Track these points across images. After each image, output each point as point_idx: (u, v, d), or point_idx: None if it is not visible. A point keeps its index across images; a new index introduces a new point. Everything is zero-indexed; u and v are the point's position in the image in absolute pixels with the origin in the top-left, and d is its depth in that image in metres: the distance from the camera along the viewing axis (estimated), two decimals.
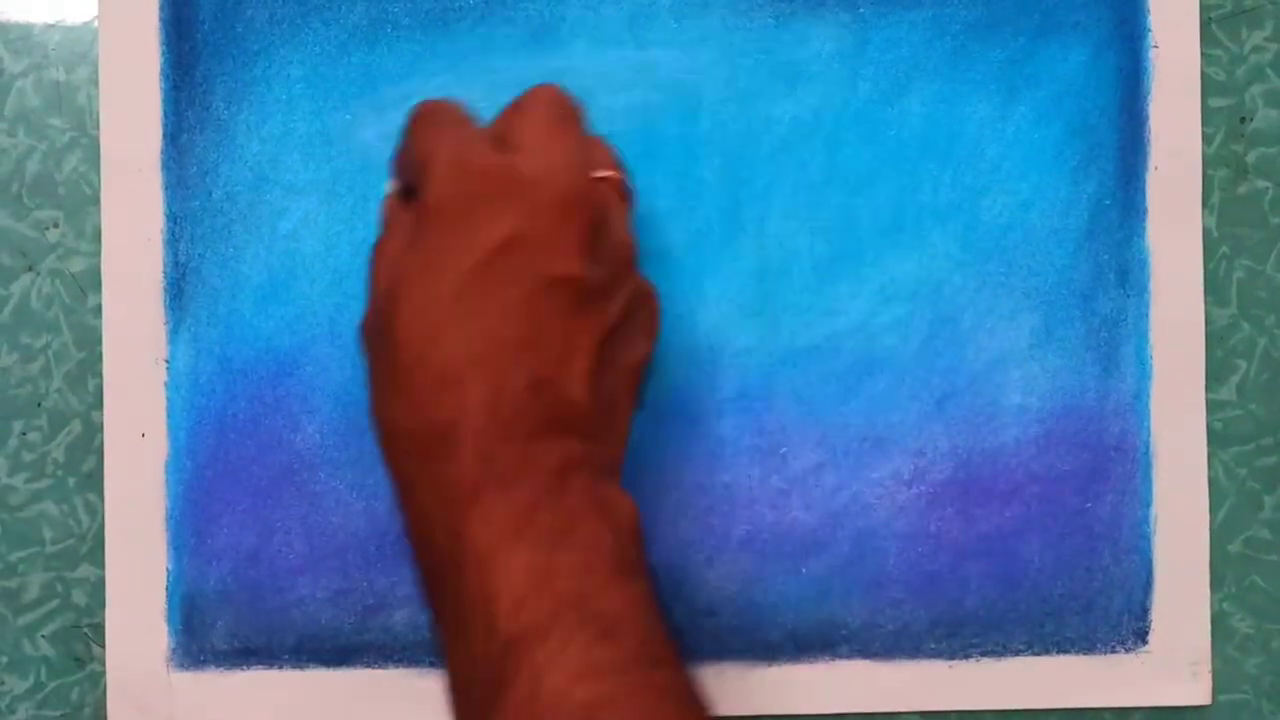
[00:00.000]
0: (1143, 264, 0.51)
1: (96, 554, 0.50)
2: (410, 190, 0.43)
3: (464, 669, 0.39)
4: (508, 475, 0.39)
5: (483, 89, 0.50)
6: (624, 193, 0.44)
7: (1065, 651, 0.51)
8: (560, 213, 0.40)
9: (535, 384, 0.40)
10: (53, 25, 0.50)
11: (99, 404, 0.50)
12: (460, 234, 0.40)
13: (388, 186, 0.45)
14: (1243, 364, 0.51)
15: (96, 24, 0.50)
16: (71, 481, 0.50)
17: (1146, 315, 0.51)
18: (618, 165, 0.44)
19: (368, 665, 0.50)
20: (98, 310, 0.50)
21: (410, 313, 0.40)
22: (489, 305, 0.40)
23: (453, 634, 0.40)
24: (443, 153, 0.41)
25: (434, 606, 0.41)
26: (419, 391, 0.40)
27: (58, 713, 0.50)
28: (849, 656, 0.50)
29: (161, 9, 0.49)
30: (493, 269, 0.40)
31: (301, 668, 0.50)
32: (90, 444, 0.50)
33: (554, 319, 0.41)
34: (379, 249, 0.43)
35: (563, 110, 0.43)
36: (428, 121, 0.43)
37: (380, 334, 0.41)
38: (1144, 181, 0.51)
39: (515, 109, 0.43)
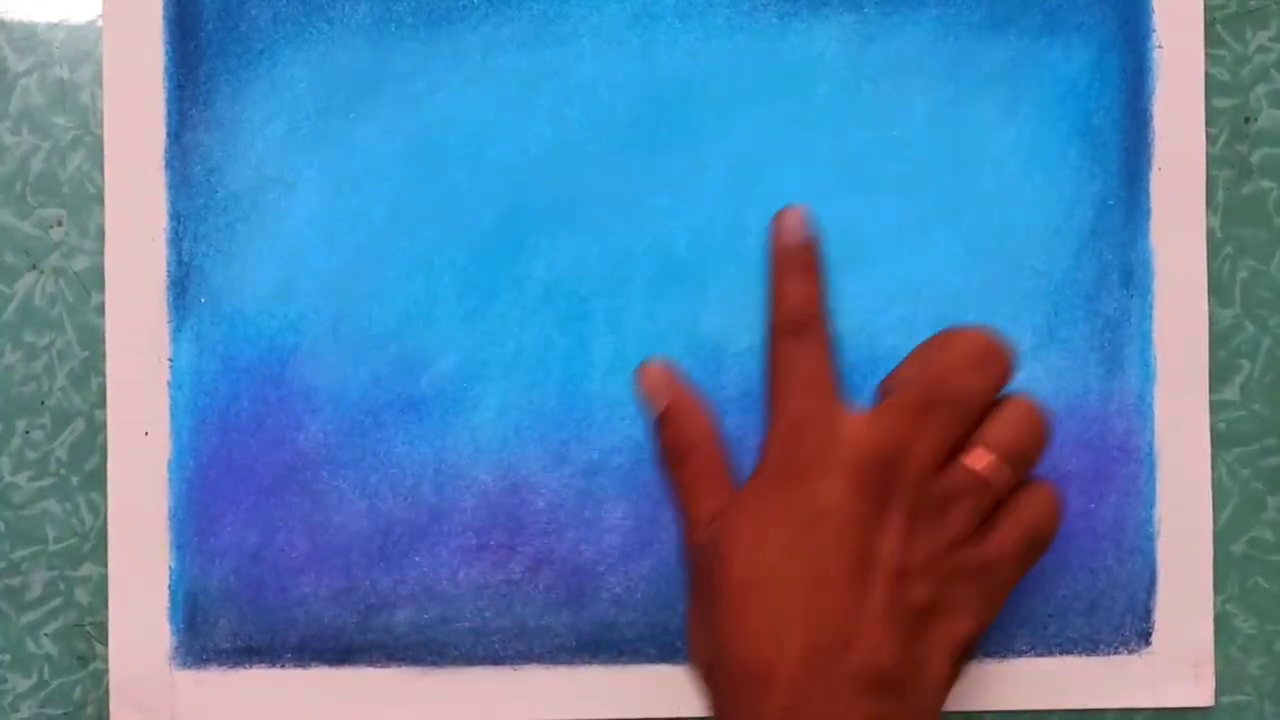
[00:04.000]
0: (1146, 264, 0.51)
1: (99, 552, 0.50)
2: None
3: None
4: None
5: (487, 87, 0.50)
6: (987, 485, 0.45)
7: (1068, 652, 0.51)
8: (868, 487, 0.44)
9: (845, 642, 0.43)
10: (57, 24, 0.50)
11: (102, 402, 0.50)
12: (793, 493, 0.44)
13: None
14: (1246, 364, 0.51)
15: (100, 23, 0.50)
16: (74, 480, 0.50)
17: (1150, 316, 0.51)
18: (1011, 451, 0.45)
19: (370, 664, 0.50)
20: (101, 309, 0.50)
21: (734, 573, 0.44)
22: (809, 568, 0.44)
23: None
24: (793, 409, 0.46)
25: None
26: (741, 632, 0.44)
27: (60, 711, 0.50)
28: None
29: (165, 8, 0.49)
30: (809, 534, 0.44)
31: (304, 667, 0.50)
32: (93, 442, 0.50)
33: (854, 592, 0.43)
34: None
35: (954, 399, 0.45)
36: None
37: (705, 562, 0.46)
38: (1148, 182, 0.51)
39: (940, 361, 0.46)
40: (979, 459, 0.45)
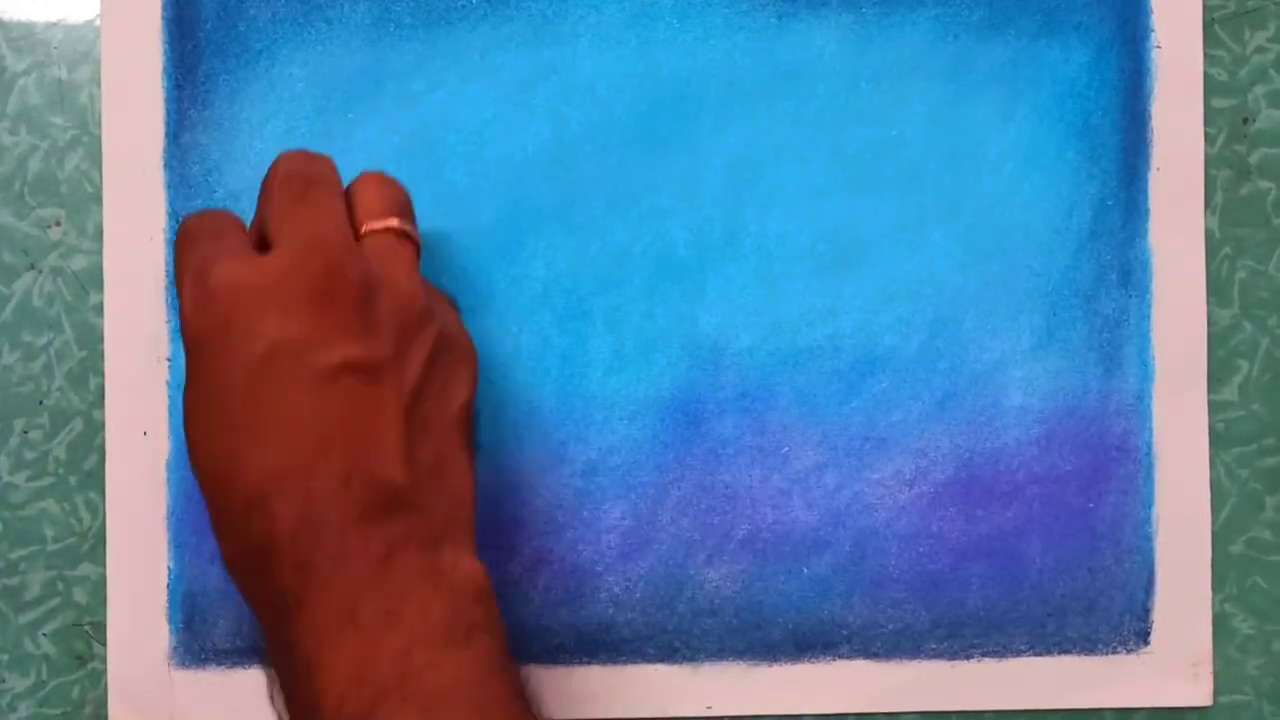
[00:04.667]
0: (1145, 264, 0.51)
1: (98, 552, 0.50)
2: None
3: None
4: (325, 576, 0.39)
5: (485, 87, 0.50)
6: (403, 238, 0.43)
7: (1067, 652, 0.51)
8: (314, 301, 0.40)
9: (342, 477, 0.39)
10: (55, 24, 0.50)
11: (100, 402, 0.50)
12: (221, 358, 0.40)
13: None
14: (1245, 364, 0.51)
15: (99, 22, 0.50)
16: (73, 480, 0.50)
17: (1148, 316, 0.51)
18: (394, 209, 0.43)
19: None
20: (99, 309, 0.50)
21: (202, 448, 0.40)
22: (273, 417, 0.39)
23: None
24: (187, 278, 0.41)
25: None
26: (230, 521, 0.40)
27: (58, 711, 0.50)
28: (850, 656, 0.50)
29: (164, 8, 0.49)
30: (263, 381, 0.39)
31: None
32: (92, 442, 0.50)
33: (344, 406, 0.40)
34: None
35: (302, 181, 0.42)
36: (183, 242, 0.42)
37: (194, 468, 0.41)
38: (1146, 182, 0.51)
39: (264, 193, 0.42)
40: (377, 223, 0.43)
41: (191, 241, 0.42)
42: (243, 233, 0.42)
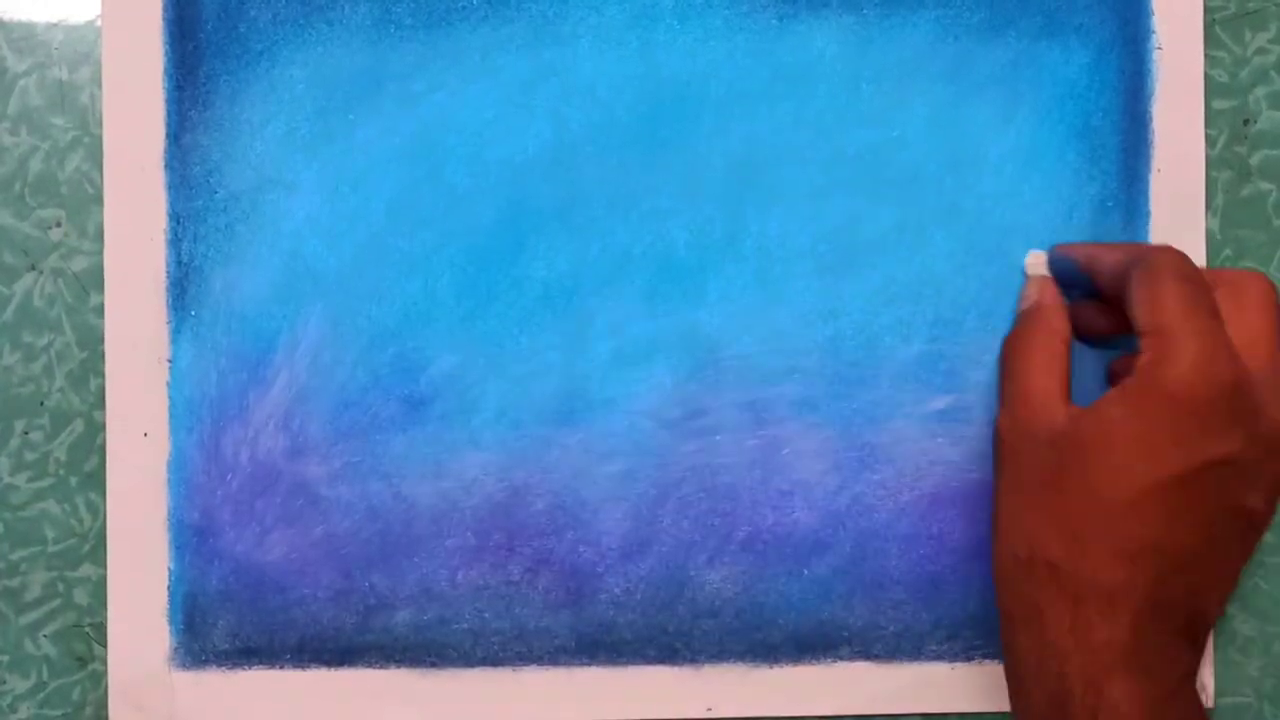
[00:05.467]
0: None
1: (98, 553, 0.50)
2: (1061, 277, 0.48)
3: None
4: (1151, 661, 0.43)
5: (486, 87, 0.50)
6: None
7: None
8: (1270, 450, 0.44)
9: (1192, 590, 0.44)
10: (56, 24, 0.50)
11: (101, 403, 0.50)
12: (1194, 435, 0.43)
13: (1034, 263, 0.49)
14: None
15: (99, 23, 0.50)
16: (73, 481, 0.50)
17: None
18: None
19: (369, 666, 0.50)
20: (100, 309, 0.50)
21: (1116, 474, 0.43)
22: (1187, 508, 0.43)
23: None
24: (1200, 342, 0.43)
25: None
26: (1097, 544, 0.43)
27: (59, 712, 0.50)
28: (850, 658, 0.50)
29: (165, 9, 0.49)
30: (1204, 478, 0.43)
31: (303, 668, 0.50)
32: (92, 443, 0.50)
33: (1230, 545, 0.45)
34: (1032, 342, 0.48)
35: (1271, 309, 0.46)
36: (1181, 283, 0.44)
37: (1065, 462, 0.44)
38: (1147, 184, 0.51)
39: (1230, 296, 0.45)
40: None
41: (1195, 302, 0.44)
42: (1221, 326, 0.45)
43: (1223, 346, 0.43)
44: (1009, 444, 0.46)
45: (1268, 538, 0.51)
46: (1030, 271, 0.50)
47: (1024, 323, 0.48)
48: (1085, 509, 0.44)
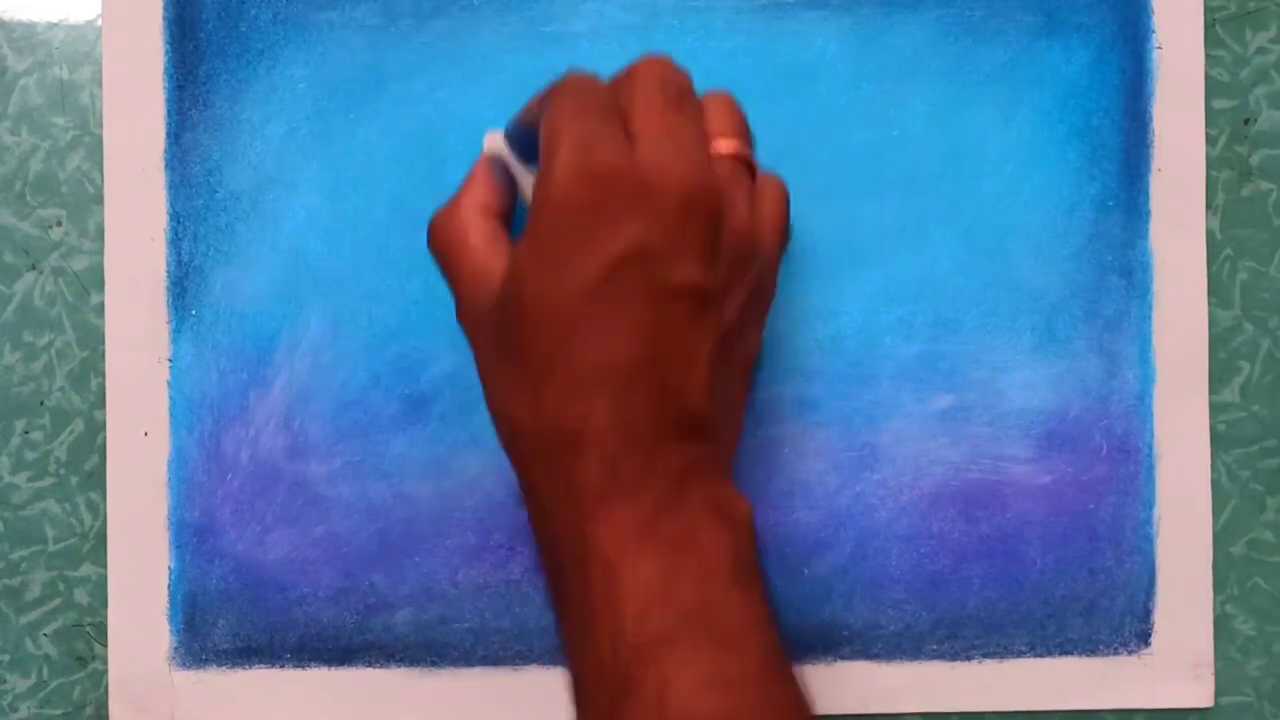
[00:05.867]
0: (1146, 266, 0.51)
1: (99, 553, 0.50)
2: (522, 149, 0.44)
3: (589, 673, 0.39)
4: (632, 482, 0.39)
5: (487, 87, 0.50)
6: (745, 166, 0.43)
7: (1067, 653, 0.51)
8: (682, 217, 0.40)
9: (659, 392, 0.40)
10: (56, 24, 0.50)
11: (101, 403, 0.50)
12: (586, 237, 0.40)
13: (490, 142, 0.45)
14: (1246, 366, 0.51)
15: (100, 23, 0.50)
16: (74, 480, 0.50)
17: (1149, 317, 0.51)
18: (738, 132, 0.43)
19: (369, 665, 0.50)
20: (100, 309, 0.50)
21: (538, 314, 0.40)
22: (615, 316, 0.40)
23: (577, 636, 0.40)
24: (570, 141, 0.40)
25: (558, 606, 0.41)
26: (547, 395, 0.40)
27: (59, 711, 0.50)
28: (851, 657, 0.50)
29: (165, 8, 0.49)
30: (618, 278, 0.39)
31: (303, 667, 0.50)
32: (93, 443, 0.50)
33: (676, 328, 0.40)
34: (475, 206, 0.44)
35: (678, 90, 0.42)
36: (566, 97, 0.41)
37: (502, 327, 0.41)
38: (1147, 183, 0.51)
39: (630, 88, 0.42)
40: (726, 145, 0.43)
41: (576, 108, 0.41)
42: (620, 119, 0.41)
43: (600, 139, 0.40)
44: (469, 332, 0.44)
45: (1268, 537, 0.51)
46: (486, 149, 0.46)
47: (449, 204, 0.45)
48: (528, 362, 0.40)
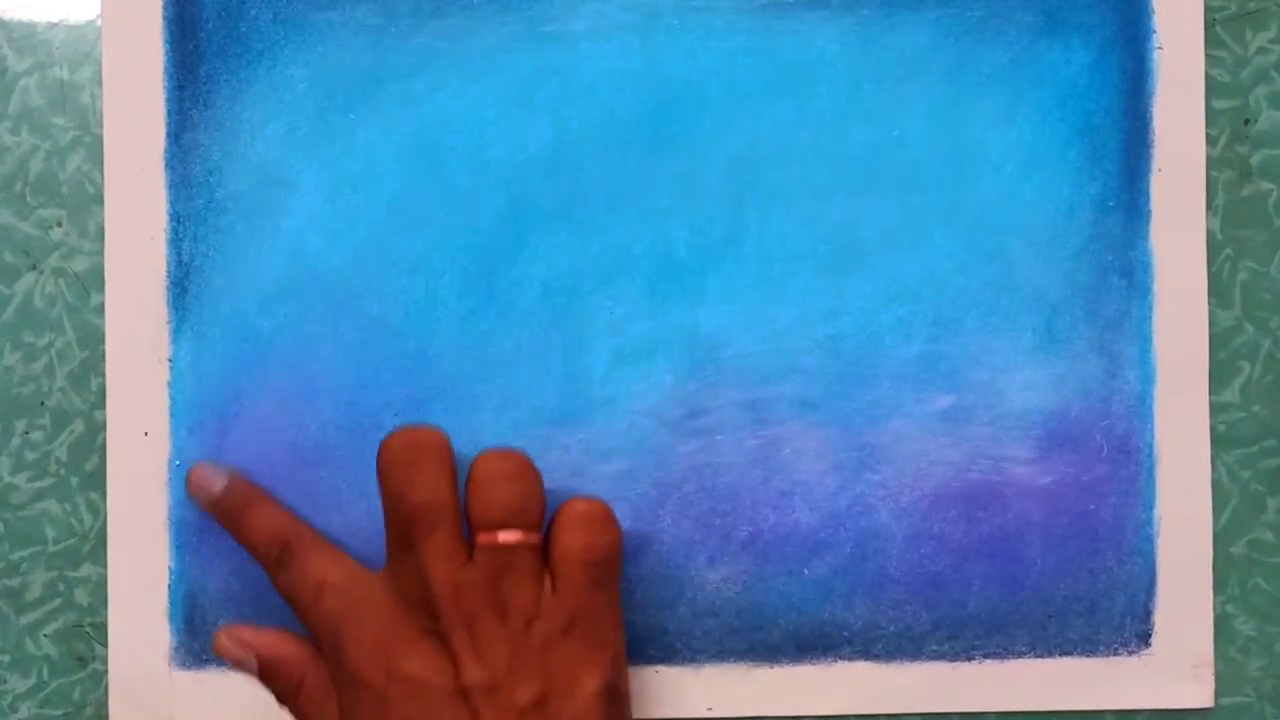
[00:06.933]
0: (1146, 266, 0.51)
1: (99, 553, 0.50)
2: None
3: None
4: None
5: (487, 87, 0.50)
6: (522, 550, 0.46)
7: (1068, 653, 0.51)
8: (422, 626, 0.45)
9: None
10: (56, 24, 0.50)
11: (102, 403, 0.50)
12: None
13: None
14: (1246, 366, 0.51)
15: (100, 23, 0.50)
16: (74, 480, 0.50)
17: (1150, 317, 0.51)
18: (512, 514, 0.46)
19: None
20: (101, 309, 0.50)
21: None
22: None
23: None
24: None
25: None
26: None
27: (59, 712, 0.50)
28: (851, 658, 0.50)
29: (165, 8, 0.49)
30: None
31: None
32: (93, 443, 0.50)
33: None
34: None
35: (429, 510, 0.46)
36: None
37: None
38: (1147, 183, 0.51)
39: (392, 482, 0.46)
40: (486, 536, 0.45)
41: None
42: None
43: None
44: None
45: (1268, 538, 0.51)
46: None
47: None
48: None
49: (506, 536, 0.45)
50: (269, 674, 0.48)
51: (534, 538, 0.46)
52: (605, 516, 0.46)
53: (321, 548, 0.47)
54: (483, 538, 0.45)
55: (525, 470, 0.46)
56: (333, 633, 0.46)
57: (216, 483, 0.48)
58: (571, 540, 0.46)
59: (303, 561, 0.47)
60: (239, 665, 0.48)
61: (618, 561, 0.46)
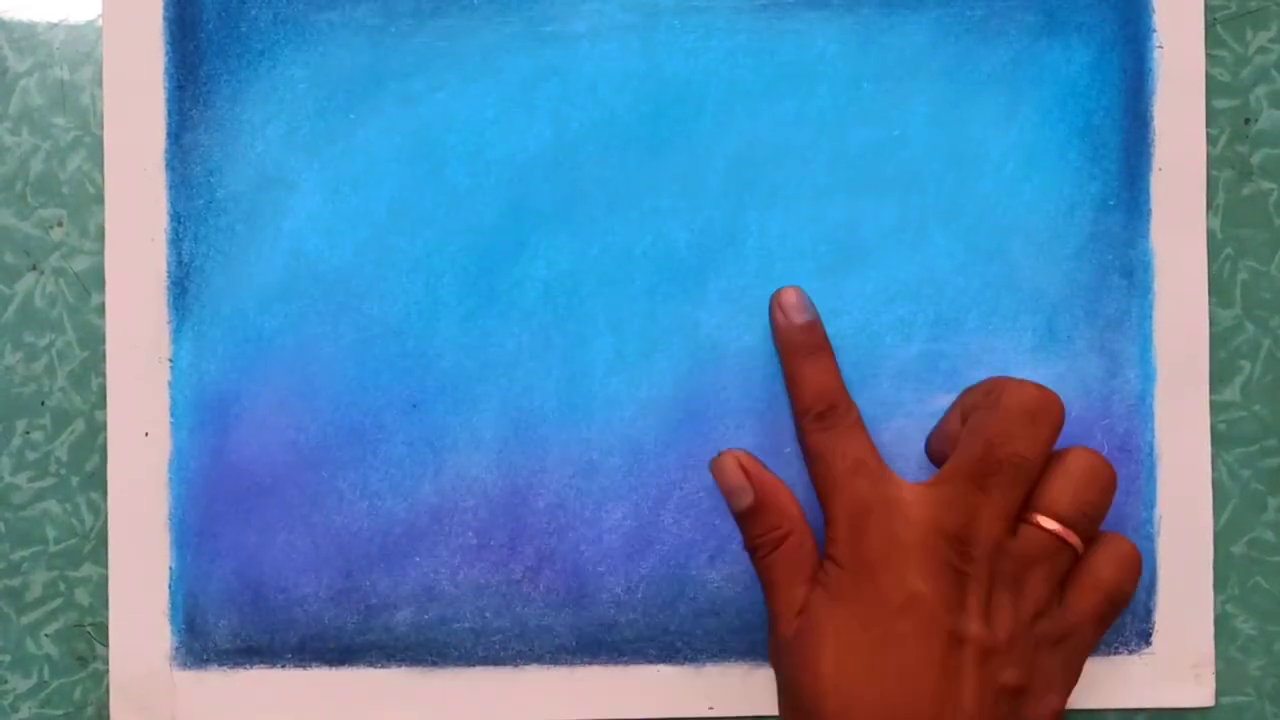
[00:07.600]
0: (1146, 265, 0.51)
1: (99, 553, 0.50)
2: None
3: None
4: None
5: (487, 87, 0.50)
6: (1063, 548, 0.46)
7: None
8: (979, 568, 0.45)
9: None
10: (56, 24, 0.50)
11: (102, 403, 0.50)
12: (870, 587, 0.45)
13: None
14: (1246, 365, 0.51)
15: (100, 23, 0.50)
16: (75, 480, 0.50)
17: (1150, 316, 0.51)
18: (1075, 516, 0.46)
19: (370, 665, 0.50)
20: (101, 309, 0.50)
21: (825, 671, 0.45)
22: (898, 661, 0.44)
23: None
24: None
25: None
26: None
27: (60, 712, 0.50)
28: None
29: (165, 8, 0.49)
30: (899, 625, 0.45)
31: (304, 667, 0.50)
32: (93, 443, 0.50)
33: (961, 678, 0.44)
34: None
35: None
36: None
37: (792, 659, 0.46)
38: (1148, 182, 0.51)
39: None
40: (1049, 522, 0.45)
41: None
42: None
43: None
44: (774, 646, 0.48)
45: (1269, 537, 0.51)
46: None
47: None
48: (813, 708, 0.45)
49: (1065, 532, 0.45)
50: (757, 514, 0.48)
51: (1081, 546, 0.46)
52: (1139, 565, 0.47)
53: (864, 430, 0.47)
54: (1042, 520, 0.46)
55: (1114, 485, 0.46)
56: (854, 513, 0.46)
57: (801, 314, 0.48)
58: (1109, 573, 0.46)
59: (846, 430, 0.47)
60: (731, 492, 0.48)
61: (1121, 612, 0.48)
